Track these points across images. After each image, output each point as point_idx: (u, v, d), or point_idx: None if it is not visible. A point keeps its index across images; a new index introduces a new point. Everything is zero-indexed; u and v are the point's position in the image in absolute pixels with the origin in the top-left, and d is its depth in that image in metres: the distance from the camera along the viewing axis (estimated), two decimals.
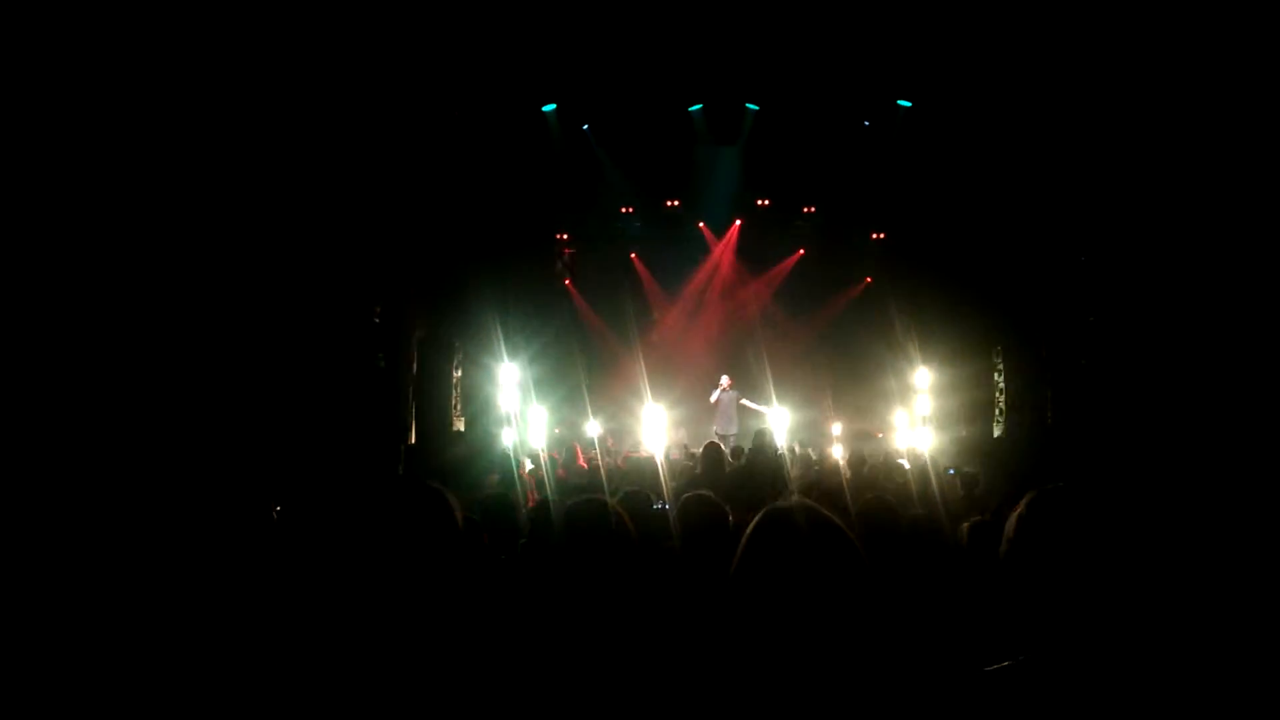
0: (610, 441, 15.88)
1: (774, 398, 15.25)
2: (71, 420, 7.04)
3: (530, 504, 6.51)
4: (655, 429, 13.67)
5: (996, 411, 12.28)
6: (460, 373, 13.82)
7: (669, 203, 17.42)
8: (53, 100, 7.74)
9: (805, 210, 17.27)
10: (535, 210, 16.39)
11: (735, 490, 6.08)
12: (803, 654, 1.62)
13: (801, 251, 17.59)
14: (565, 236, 17.43)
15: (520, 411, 14.06)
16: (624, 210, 17.35)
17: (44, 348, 7.14)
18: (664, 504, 5.63)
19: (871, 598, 1.64)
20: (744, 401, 15.48)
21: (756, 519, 1.72)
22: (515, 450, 11.79)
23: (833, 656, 1.63)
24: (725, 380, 15.73)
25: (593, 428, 14.75)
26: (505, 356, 14.36)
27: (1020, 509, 1.73)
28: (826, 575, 1.62)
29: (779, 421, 13.98)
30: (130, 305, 8.30)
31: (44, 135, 7.64)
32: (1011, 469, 9.20)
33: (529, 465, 10.06)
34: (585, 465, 10.51)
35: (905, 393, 15.66)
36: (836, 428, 15.54)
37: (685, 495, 4.05)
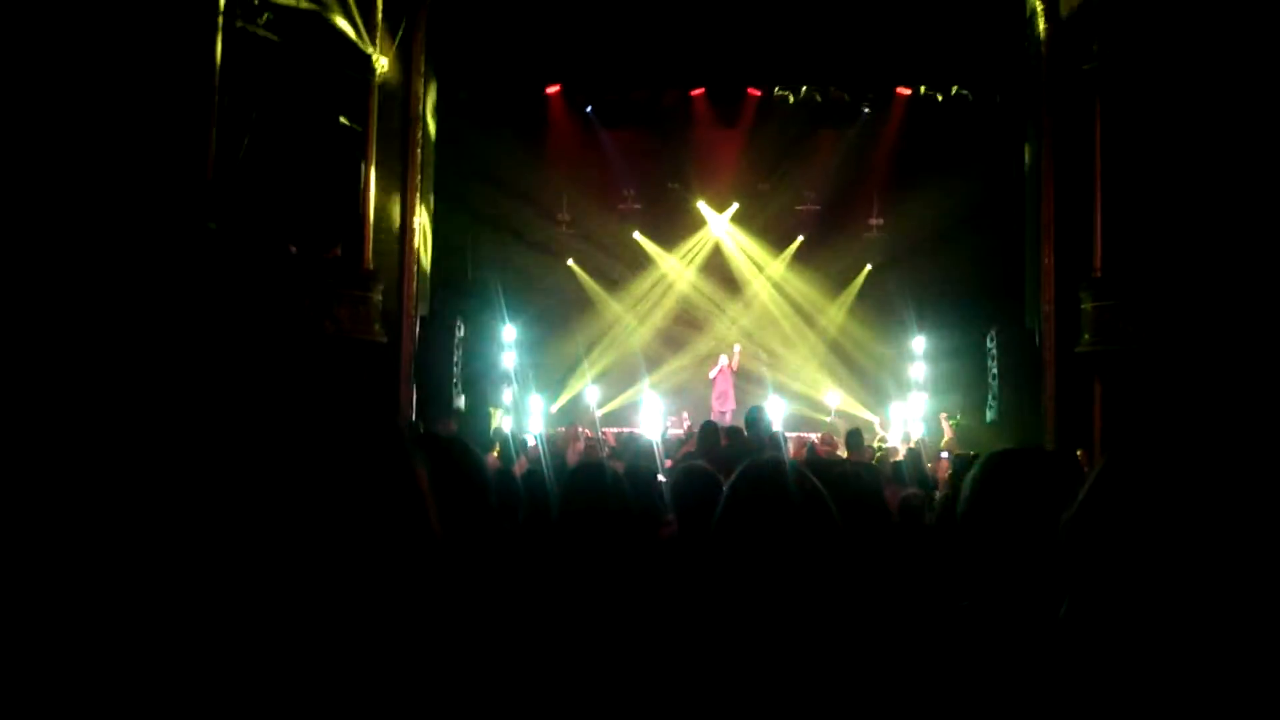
0: (603, 434, 16.01)
1: (770, 386, 15.43)
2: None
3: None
4: (653, 408, 13.85)
5: (990, 397, 12.47)
6: (461, 351, 13.99)
7: (670, 184, 17.53)
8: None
9: (805, 194, 17.37)
10: (537, 191, 16.54)
11: (730, 464, 6.21)
12: (780, 595, 1.78)
13: (800, 239, 17.67)
14: (566, 217, 17.52)
15: (520, 392, 14.23)
16: (625, 191, 17.45)
17: None
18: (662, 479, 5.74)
19: (838, 540, 1.79)
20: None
21: (736, 471, 1.88)
22: (514, 431, 11.97)
23: (808, 600, 1.78)
24: (724, 359, 15.94)
25: (593, 404, 14.90)
26: (506, 336, 14.54)
27: (975, 471, 1.87)
28: (799, 520, 1.78)
29: (774, 409, 14.14)
30: (95, 290, 8.34)
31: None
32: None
33: (531, 442, 10.21)
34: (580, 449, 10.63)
35: (903, 379, 15.84)
36: (834, 398, 15.67)
37: (679, 466, 4.17)
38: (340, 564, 1.20)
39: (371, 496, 1.24)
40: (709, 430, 7.70)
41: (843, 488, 2.77)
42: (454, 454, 2.31)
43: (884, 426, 15.15)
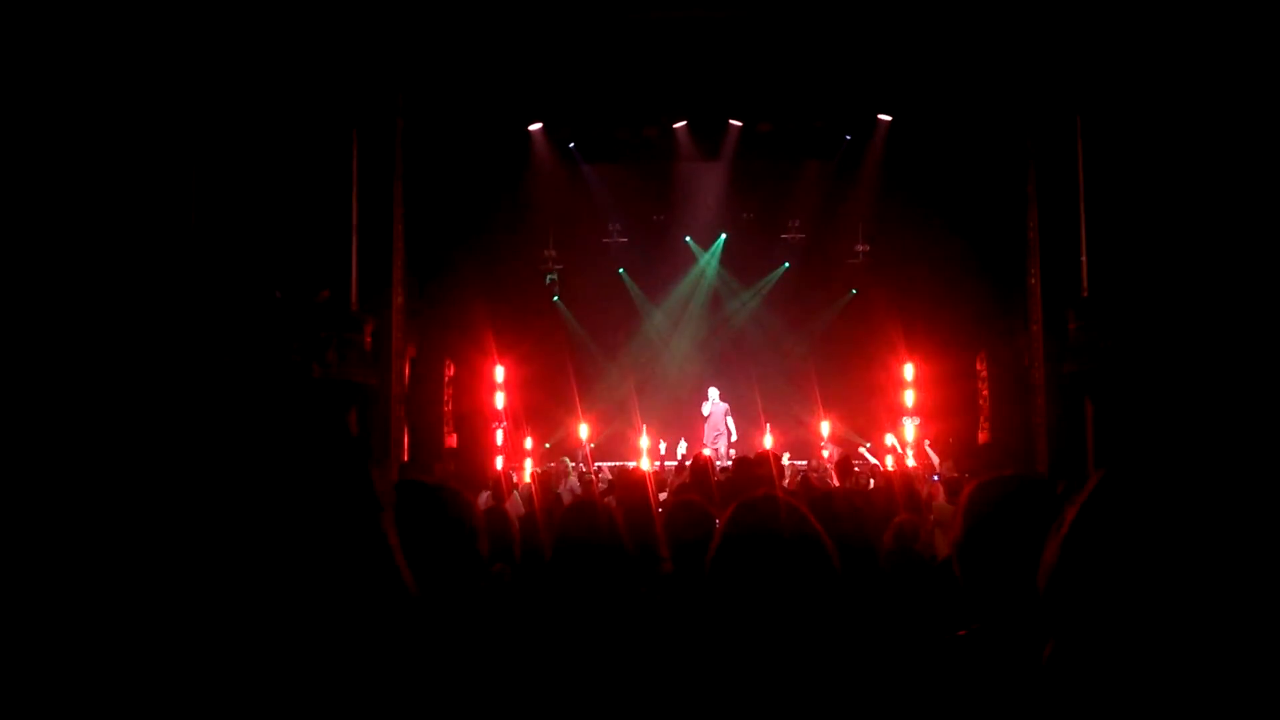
0: (597, 468, 15.95)
1: (760, 411, 15.41)
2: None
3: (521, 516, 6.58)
4: (647, 442, 13.83)
5: (980, 419, 12.48)
6: (452, 391, 13.98)
7: (655, 217, 17.62)
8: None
9: (790, 223, 17.45)
10: (523, 228, 16.59)
11: (725, 499, 6.19)
12: (775, 634, 1.76)
13: (786, 265, 17.74)
14: (553, 254, 17.56)
15: (510, 429, 14.21)
16: (611, 225, 17.52)
17: None
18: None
19: (832, 575, 1.78)
20: (727, 417, 15.71)
21: (730, 510, 1.87)
22: (506, 468, 11.95)
23: (803, 639, 1.77)
24: (714, 392, 15.95)
25: (586, 439, 14.86)
26: (496, 375, 14.54)
27: (964, 502, 1.87)
28: (792, 558, 1.77)
29: (765, 438, 14.12)
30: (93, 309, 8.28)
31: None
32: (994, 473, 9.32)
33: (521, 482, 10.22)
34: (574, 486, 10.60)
35: (892, 402, 15.83)
36: (825, 427, 15.65)
37: (673, 502, 4.14)
38: (300, 617, 1.14)
39: (337, 553, 1.19)
40: (702, 464, 7.65)
41: (836, 519, 2.76)
42: (441, 502, 2.29)
43: (878, 444, 15.06)
